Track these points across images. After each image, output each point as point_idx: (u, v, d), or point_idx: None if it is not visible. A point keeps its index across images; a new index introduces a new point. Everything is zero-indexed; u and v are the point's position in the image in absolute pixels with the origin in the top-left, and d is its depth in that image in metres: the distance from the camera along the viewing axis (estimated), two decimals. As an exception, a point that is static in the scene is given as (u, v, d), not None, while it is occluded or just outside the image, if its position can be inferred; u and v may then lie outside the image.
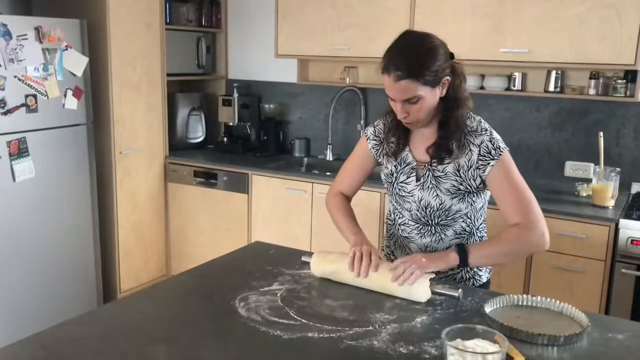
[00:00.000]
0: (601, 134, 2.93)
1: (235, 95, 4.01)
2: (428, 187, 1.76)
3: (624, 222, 2.67)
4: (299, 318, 1.48)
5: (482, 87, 3.37)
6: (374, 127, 1.90)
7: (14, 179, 2.99)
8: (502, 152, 1.69)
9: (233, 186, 3.72)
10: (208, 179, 3.80)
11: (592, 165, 3.11)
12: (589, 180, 3.07)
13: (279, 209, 3.56)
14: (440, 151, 1.72)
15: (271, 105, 4.12)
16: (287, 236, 3.49)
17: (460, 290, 1.59)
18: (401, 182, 1.82)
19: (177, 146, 4.04)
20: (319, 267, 1.74)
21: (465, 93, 1.71)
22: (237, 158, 3.89)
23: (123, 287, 3.72)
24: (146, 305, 1.59)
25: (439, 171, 1.75)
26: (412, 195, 1.80)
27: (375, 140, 1.88)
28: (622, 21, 2.79)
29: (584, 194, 3.05)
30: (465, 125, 1.71)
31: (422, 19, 3.23)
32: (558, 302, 1.54)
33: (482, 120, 1.76)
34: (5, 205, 2.98)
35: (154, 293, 1.70)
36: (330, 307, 1.54)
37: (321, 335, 1.39)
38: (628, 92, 3.00)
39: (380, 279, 1.63)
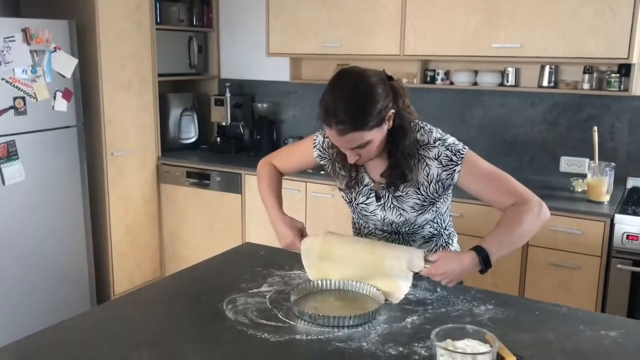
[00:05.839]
0: (595, 128, 2.91)
1: (228, 94, 3.98)
2: (390, 206, 1.72)
3: (619, 217, 2.65)
4: (287, 320, 1.45)
5: (475, 83, 3.34)
6: (324, 137, 1.79)
7: (3, 183, 2.96)
8: (463, 154, 1.63)
9: (226, 186, 3.69)
10: (201, 179, 3.77)
11: (587, 160, 3.09)
12: (584, 176, 3.05)
13: (273, 209, 3.52)
14: (394, 179, 1.65)
15: (264, 105, 4.08)
16: (281, 236, 3.45)
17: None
18: (361, 204, 1.77)
19: (169, 147, 4.01)
20: (309, 254, 1.69)
21: (410, 108, 1.64)
22: (230, 158, 3.86)
23: (117, 289, 3.68)
24: (131, 309, 1.57)
25: (399, 191, 1.69)
26: (374, 215, 1.76)
27: (321, 152, 1.81)
28: (615, 14, 2.76)
29: (579, 190, 3.03)
30: (415, 144, 1.63)
31: (414, 15, 3.20)
32: (356, 282, 1.61)
33: (433, 129, 1.67)
34: (-5, 209, 2.95)
35: (140, 296, 1.67)
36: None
37: (309, 337, 1.36)
38: (622, 86, 2.98)
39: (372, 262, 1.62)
